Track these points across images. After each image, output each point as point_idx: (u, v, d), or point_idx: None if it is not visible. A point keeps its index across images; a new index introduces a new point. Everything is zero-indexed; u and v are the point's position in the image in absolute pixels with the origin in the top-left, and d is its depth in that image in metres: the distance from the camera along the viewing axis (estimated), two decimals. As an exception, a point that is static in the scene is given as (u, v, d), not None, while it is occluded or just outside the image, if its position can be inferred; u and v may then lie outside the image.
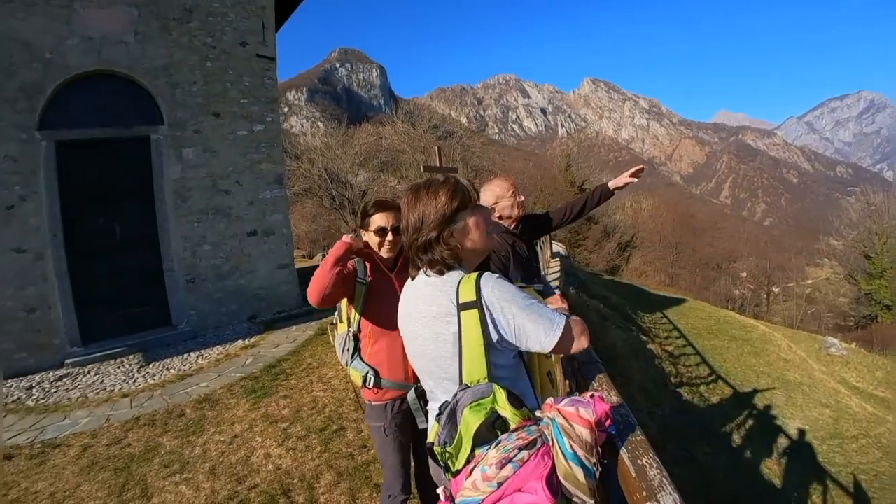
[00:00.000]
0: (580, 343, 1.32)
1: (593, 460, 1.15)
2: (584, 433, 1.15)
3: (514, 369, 1.36)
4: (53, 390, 5.30)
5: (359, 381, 2.11)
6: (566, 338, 1.29)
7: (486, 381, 1.25)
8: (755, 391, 10.99)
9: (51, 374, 5.70)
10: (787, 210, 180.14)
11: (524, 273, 2.59)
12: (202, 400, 4.58)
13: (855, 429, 9.49)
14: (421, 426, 1.93)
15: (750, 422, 9.14)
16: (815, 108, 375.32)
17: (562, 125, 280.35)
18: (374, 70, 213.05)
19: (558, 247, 19.65)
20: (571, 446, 1.13)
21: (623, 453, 1.40)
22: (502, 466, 1.09)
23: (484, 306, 1.27)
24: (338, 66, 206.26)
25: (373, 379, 2.09)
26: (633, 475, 1.28)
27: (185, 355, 6.13)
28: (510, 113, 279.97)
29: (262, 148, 7.89)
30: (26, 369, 5.79)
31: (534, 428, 1.17)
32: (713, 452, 7.15)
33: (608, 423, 1.22)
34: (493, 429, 1.16)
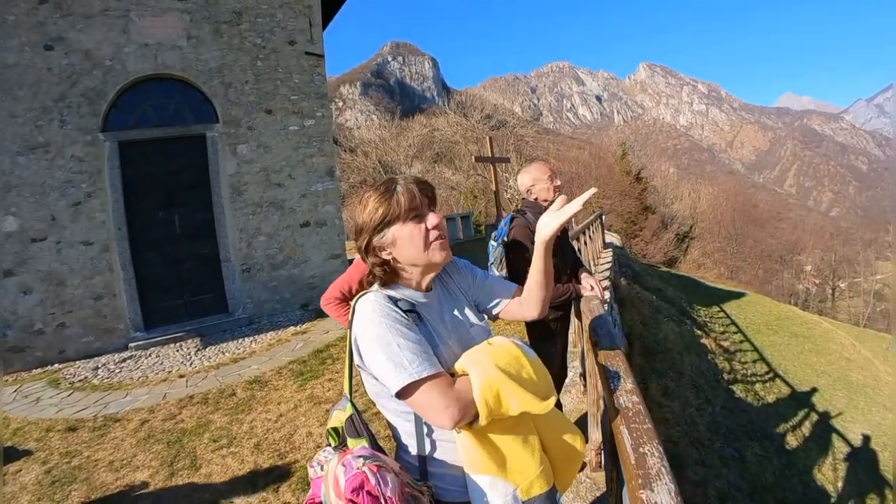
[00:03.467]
0: (445, 415, 1.02)
1: None
2: (334, 500, 0.99)
3: (402, 414, 1.17)
4: (117, 371, 5.80)
5: None
6: (421, 395, 1.04)
7: (348, 395, 1.21)
8: (814, 391, 10.48)
9: (115, 356, 6.21)
10: (856, 199, 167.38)
11: (559, 258, 2.62)
12: (252, 381, 4.88)
13: (922, 438, 8.90)
14: None
15: (806, 424, 8.74)
16: (885, 90, 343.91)
17: (618, 112, 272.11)
18: (426, 62, 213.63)
19: (612, 237, 19.17)
20: (328, 499, 1.01)
21: (626, 440, 1.36)
22: (311, 467, 1.14)
23: (352, 328, 1.16)
24: (390, 59, 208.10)
25: None
26: (633, 462, 1.25)
27: (240, 340, 6.50)
28: (564, 101, 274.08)
29: (314, 142, 8.13)
30: (93, 352, 6.33)
31: (334, 458, 1.08)
32: (764, 454, 6.88)
33: None
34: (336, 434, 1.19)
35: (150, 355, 6.15)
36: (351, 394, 1.21)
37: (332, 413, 1.25)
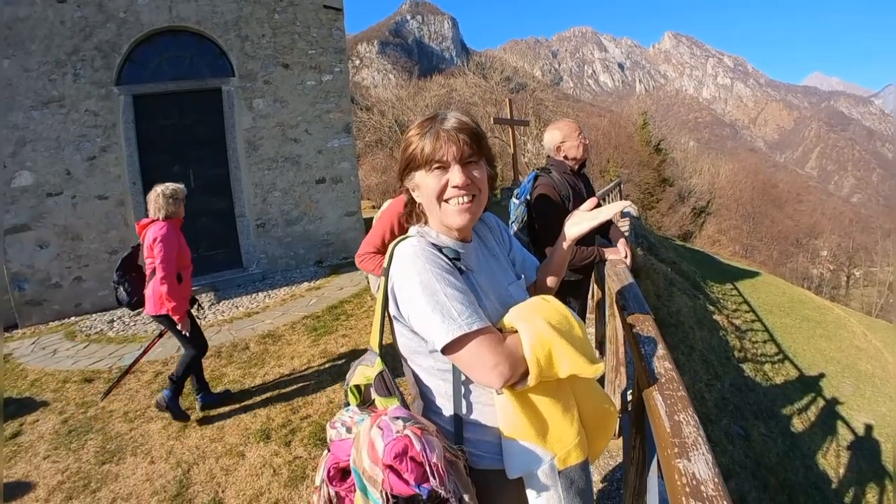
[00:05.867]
0: (494, 373, 0.95)
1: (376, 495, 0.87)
2: (369, 466, 0.89)
3: (437, 373, 1.09)
4: (132, 324, 5.89)
5: None
6: (469, 350, 0.96)
7: (376, 351, 1.13)
8: (822, 376, 10.43)
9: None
10: (879, 187, 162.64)
11: None
12: (266, 335, 4.93)
13: (926, 432, 8.85)
14: None
15: (812, 408, 8.73)
16: None
17: (640, 81, 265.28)
18: (445, 22, 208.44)
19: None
20: (359, 465, 0.91)
21: (660, 406, 1.32)
22: (333, 428, 1.08)
23: (390, 278, 1.07)
24: (409, 18, 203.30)
25: None
26: (668, 430, 1.21)
27: (254, 295, 6.54)
28: (586, 67, 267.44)
29: (331, 98, 8.03)
30: (109, 305, 6.38)
31: (366, 419, 0.99)
32: (769, 434, 6.88)
33: (411, 476, 0.84)
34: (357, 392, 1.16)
35: (164, 309, 6.22)
36: (381, 349, 1.12)
37: (355, 368, 1.18)
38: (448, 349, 0.96)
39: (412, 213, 1.19)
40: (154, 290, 3.32)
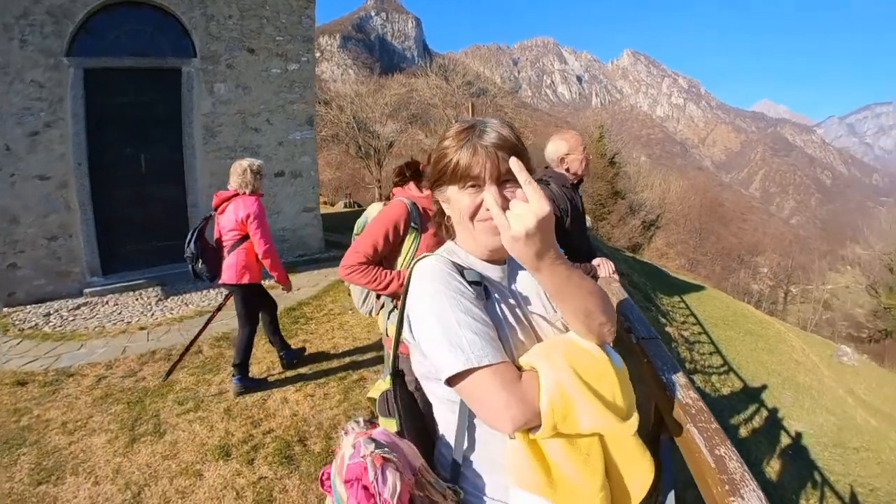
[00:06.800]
0: (504, 415, 0.82)
1: None
2: (338, 482, 0.88)
3: (449, 403, 0.98)
4: (71, 318, 5.35)
5: None
6: (478, 386, 0.84)
7: (389, 368, 1.14)
8: (764, 387, 10.84)
9: (69, 302, 5.76)
10: (816, 211, 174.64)
11: (577, 237, 2.49)
12: (220, 338, 4.57)
13: (857, 440, 9.33)
14: None
15: (756, 418, 9.03)
16: (858, 111, 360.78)
17: (596, 95, 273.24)
18: (409, 21, 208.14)
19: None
20: (334, 477, 0.91)
21: (698, 440, 1.25)
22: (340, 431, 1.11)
23: (408, 294, 0.99)
24: (373, 14, 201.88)
25: None
26: (713, 466, 1.16)
27: (205, 291, 6.13)
28: (545, 77, 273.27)
29: (296, 88, 7.78)
30: (46, 296, 5.85)
31: (353, 434, 0.96)
32: (718, 444, 7.11)
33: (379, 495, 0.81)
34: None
35: (106, 303, 5.72)
36: (395, 366, 1.11)
37: (379, 379, 1.18)
38: (453, 381, 0.86)
39: (441, 226, 1.11)
40: (237, 260, 3.49)
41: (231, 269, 3.50)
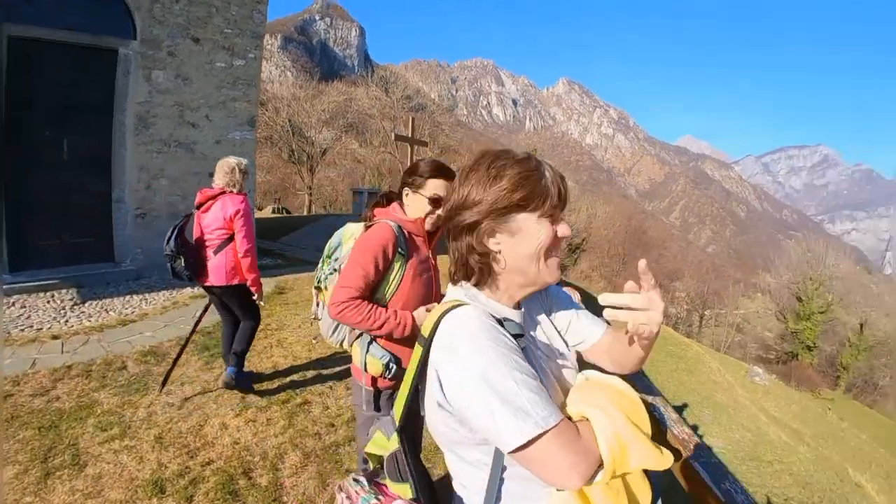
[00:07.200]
0: (572, 473, 0.78)
1: None
2: None
3: (478, 465, 0.90)
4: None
5: (377, 370, 1.81)
6: (545, 450, 0.78)
7: (397, 424, 1.00)
8: (685, 406, 11.40)
9: (-32, 300, 5.00)
10: (731, 241, 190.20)
11: None
12: (147, 353, 4.09)
13: (771, 454, 10.03)
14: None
15: (678, 436, 9.53)
16: (773, 152, 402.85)
17: (530, 119, 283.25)
18: (353, 29, 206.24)
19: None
20: None
21: (704, 476, 1.30)
22: (339, 492, 1.01)
23: (432, 353, 0.90)
24: (317, 18, 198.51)
25: (394, 368, 1.80)
26: (722, 499, 1.21)
27: (128, 297, 5.59)
28: (482, 98, 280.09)
29: (240, 84, 7.45)
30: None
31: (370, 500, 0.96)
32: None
33: None
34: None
35: (13, 304, 4.98)
36: (401, 423, 0.99)
37: (373, 432, 1.05)
38: (518, 449, 0.78)
39: (467, 265, 0.95)
40: (226, 261, 3.40)
41: (220, 270, 3.41)
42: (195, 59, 6.86)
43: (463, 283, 0.98)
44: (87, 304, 5.20)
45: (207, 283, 3.44)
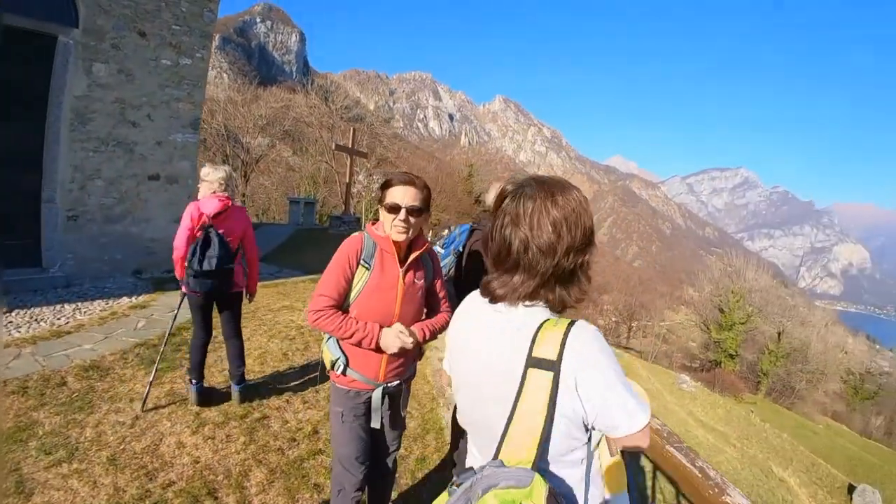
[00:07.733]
0: (646, 438, 1.00)
1: None
2: None
3: (578, 463, 1.03)
4: None
5: (327, 363, 1.97)
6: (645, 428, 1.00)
7: (529, 466, 0.90)
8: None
9: None
10: (657, 257, 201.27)
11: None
12: (88, 367, 3.78)
13: (700, 455, 10.69)
14: (373, 425, 1.98)
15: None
16: (698, 173, 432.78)
17: (465, 134, 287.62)
18: (294, 34, 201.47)
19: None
20: None
21: (680, 458, 1.52)
22: None
23: (564, 370, 0.94)
24: (258, 21, 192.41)
25: (342, 367, 1.92)
26: (699, 476, 1.42)
27: (59, 306, 5.16)
28: (419, 111, 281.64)
29: (185, 85, 7.18)
30: None
31: None
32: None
33: None
34: None
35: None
36: (538, 461, 0.92)
37: (484, 495, 0.81)
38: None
39: (565, 303, 1.09)
40: (239, 269, 3.46)
41: (237, 276, 3.45)
42: (140, 55, 6.52)
43: (539, 304, 1.06)
44: (15, 314, 4.75)
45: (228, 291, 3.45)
